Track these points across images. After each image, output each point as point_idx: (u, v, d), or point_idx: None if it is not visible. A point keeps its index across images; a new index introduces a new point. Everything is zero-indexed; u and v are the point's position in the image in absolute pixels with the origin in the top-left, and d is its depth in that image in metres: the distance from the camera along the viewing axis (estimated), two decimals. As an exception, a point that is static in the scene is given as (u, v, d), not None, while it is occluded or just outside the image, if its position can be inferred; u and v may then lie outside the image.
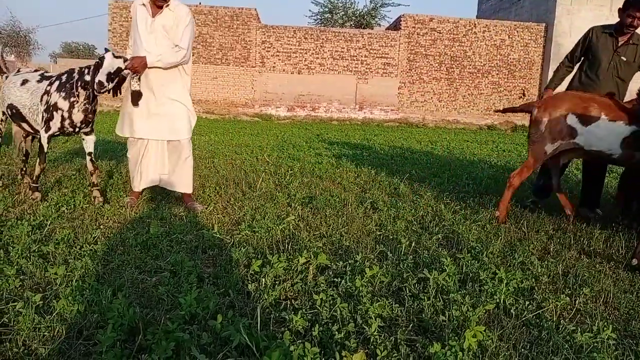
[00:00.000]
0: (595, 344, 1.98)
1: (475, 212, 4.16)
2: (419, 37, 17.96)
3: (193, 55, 16.07)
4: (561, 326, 2.14)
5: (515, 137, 13.77)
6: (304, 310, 2.18)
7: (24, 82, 4.09)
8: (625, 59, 4.14)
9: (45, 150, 3.95)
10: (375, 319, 2.05)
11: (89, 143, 4.09)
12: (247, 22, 17.64)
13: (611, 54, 4.16)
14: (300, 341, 1.86)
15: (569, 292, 2.54)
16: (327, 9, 29.28)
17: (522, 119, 18.23)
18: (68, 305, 2.07)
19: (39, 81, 4.03)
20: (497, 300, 2.35)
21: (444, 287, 2.44)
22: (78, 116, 3.86)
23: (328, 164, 6.51)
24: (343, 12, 29.07)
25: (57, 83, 3.88)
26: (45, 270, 2.47)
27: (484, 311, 2.21)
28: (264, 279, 2.44)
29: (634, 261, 2.95)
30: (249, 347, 1.80)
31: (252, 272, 2.55)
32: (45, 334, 1.91)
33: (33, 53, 33.22)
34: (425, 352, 1.86)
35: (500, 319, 2.20)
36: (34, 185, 4.01)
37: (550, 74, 18.60)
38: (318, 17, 29.79)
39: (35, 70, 4.29)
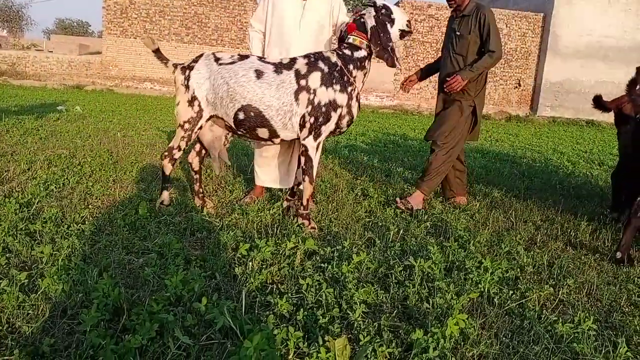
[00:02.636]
0: (576, 335, 2.01)
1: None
2: (416, 23, 17.84)
3: (187, 36, 15.88)
4: (543, 316, 2.17)
5: (508, 127, 13.80)
6: (289, 294, 2.19)
7: (260, 73, 3.08)
8: (459, 33, 3.91)
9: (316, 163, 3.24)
10: (360, 305, 2.07)
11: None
12: (244, 3, 17.43)
13: (450, 31, 4.04)
14: (284, 325, 1.87)
15: (553, 282, 2.57)
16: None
17: (517, 110, 18.27)
18: (53, 284, 2.07)
19: (276, 71, 3.09)
20: (482, 289, 2.37)
21: (430, 274, 2.46)
22: (355, 109, 3.23)
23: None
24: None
25: (316, 75, 3.07)
26: (32, 248, 2.46)
27: (468, 299, 2.23)
28: (251, 263, 2.44)
29: (618, 254, 2.98)
30: (233, 330, 1.81)
31: (240, 255, 2.56)
32: (30, 312, 1.92)
33: (26, 29, 32.79)
34: (408, 338, 1.88)
35: (484, 307, 2.23)
36: (305, 212, 3.24)
37: (547, 65, 18.41)
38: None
39: (237, 55, 3.23)
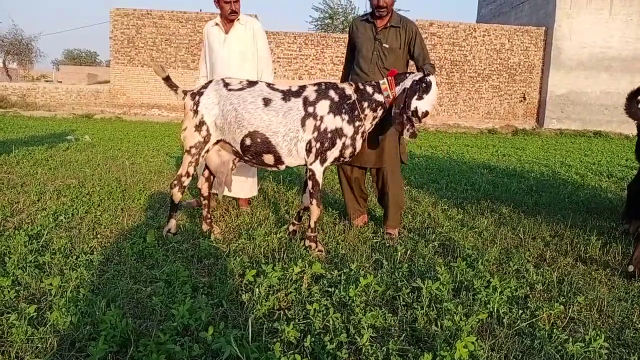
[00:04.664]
0: (588, 354, 1.98)
1: (473, 219, 4.16)
2: (419, 41, 17.99)
3: (193, 62, 16.08)
4: (554, 335, 2.14)
5: (515, 141, 13.77)
6: (297, 320, 2.18)
7: (267, 101, 3.17)
8: (387, 46, 3.57)
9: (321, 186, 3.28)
10: (368, 329, 2.06)
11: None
12: (248, 28, 17.69)
13: (372, 43, 3.61)
14: (291, 352, 1.86)
15: (563, 300, 2.54)
16: (327, 15, 29.41)
17: (523, 123, 18.24)
18: (62, 317, 2.08)
19: (284, 99, 3.18)
20: (491, 309, 2.35)
21: (438, 296, 2.44)
22: (359, 144, 3.27)
23: (326, 170, 6.52)
24: (343, 18, 29.16)
25: (325, 103, 3.16)
26: (41, 281, 2.48)
27: (477, 320, 2.21)
28: (257, 289, 2.44)
29: (630, 267, 2.94)
30: (240, 359, 1.80)
31: (247, 281, 2.56)
32: (38, 345, 1.92)
33: (35, 61, 33.36)
34: (417, 362, 1.86)
35: (493, 328, 2.20)
36: (312, 234, 3.24)
37: (551, 78, 18.41)
38: (318, 22, 29.92)
39: (245, 82, 3.30)
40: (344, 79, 3.92)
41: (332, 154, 3.21)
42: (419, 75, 3.17)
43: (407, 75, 3.23)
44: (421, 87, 3.11)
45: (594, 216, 4.45)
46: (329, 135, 3.14)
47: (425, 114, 3.14)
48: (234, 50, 4.06)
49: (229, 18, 4.04)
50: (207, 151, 3.33)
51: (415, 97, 3.11)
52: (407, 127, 3.11)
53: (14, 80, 24.94)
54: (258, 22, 4.17)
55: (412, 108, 3.12)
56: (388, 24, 3.59)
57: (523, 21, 19.64)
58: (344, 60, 4.06)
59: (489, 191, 5.48)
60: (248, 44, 4.09)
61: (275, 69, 18.00)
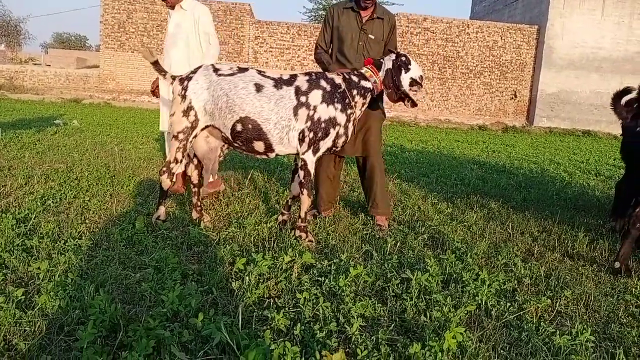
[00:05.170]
0: (574, 347, 2.01)
1: (462, 213, 4.19)
2: (412, 36, 18.00)
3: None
4: (541, 328, 2.17)
5: (505, 138, 13.86)
6: (286, 308, 2.19)
7: (259, 87, 3.13)
8: (373, 37, 3.62)
9: (313, 176, 3.29)
10: (357, 319, 2.07)
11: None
12: (241, 17, 17.57)
13: (357, 32, 3.62)
14: (281, 340, 1.87)
15: (551, 294, 2.57)
16: (321, 6, 29.27)
17: (513, 121, 18.35)
18: (50, 301, 2.06)
19: (276, 86, 3.15)
20: (479, 302, 2.37)
21: (427, 287, 2.46)
22: (351, 131, 3.32)
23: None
24: (337, 9, 29.07)
25: (317, 92, 3.16)
26: (28, 264, 2.46)
27: (465, 312, 2.23)
28: (248, 277, 2.44)
29: (617, 264, 2.99)
30: (230, 346, 1.80)
31: (237, 269, 2.55)
32: (26, 329, 1.91)
33: (24, 43, 32.88)
34: (406, 352, 1.88)
35: (481, 320, 2.23)
36: (302, 224, 3.25)
37: (542, 76, 18.51)
38: (312, 13, 29.80)
39: (236, 67, 3.26)
40: (321, 65, 3.77)
41: (325, 144, 3.21)
42: (392, 56, 3.36)
43: (381, 60, 3.40)
44: (403, 63, 3.32)
45: (581, 213, 4.50)
46: (323, 125, 3.14)
47: (421, 77, 3.39)
48: (174, 36, 4.26)
49: (169, 3, 4.23)
50: (195, 136, 3.29)
51: (403, 72, 3.31)
52: (406, 100, 3.38)
53: (1, 62, 24.53)
54: (202, 7, 4.30)
55: (408, 81, 3.32)
56: (374, 15, 3.62)
57: (516, 19, 19.71)
58: (318, 46, 3.83)
59: (478, 186, 5.52)
60: (189, 28, 4.23)
61: (267, 59, 17.93)
